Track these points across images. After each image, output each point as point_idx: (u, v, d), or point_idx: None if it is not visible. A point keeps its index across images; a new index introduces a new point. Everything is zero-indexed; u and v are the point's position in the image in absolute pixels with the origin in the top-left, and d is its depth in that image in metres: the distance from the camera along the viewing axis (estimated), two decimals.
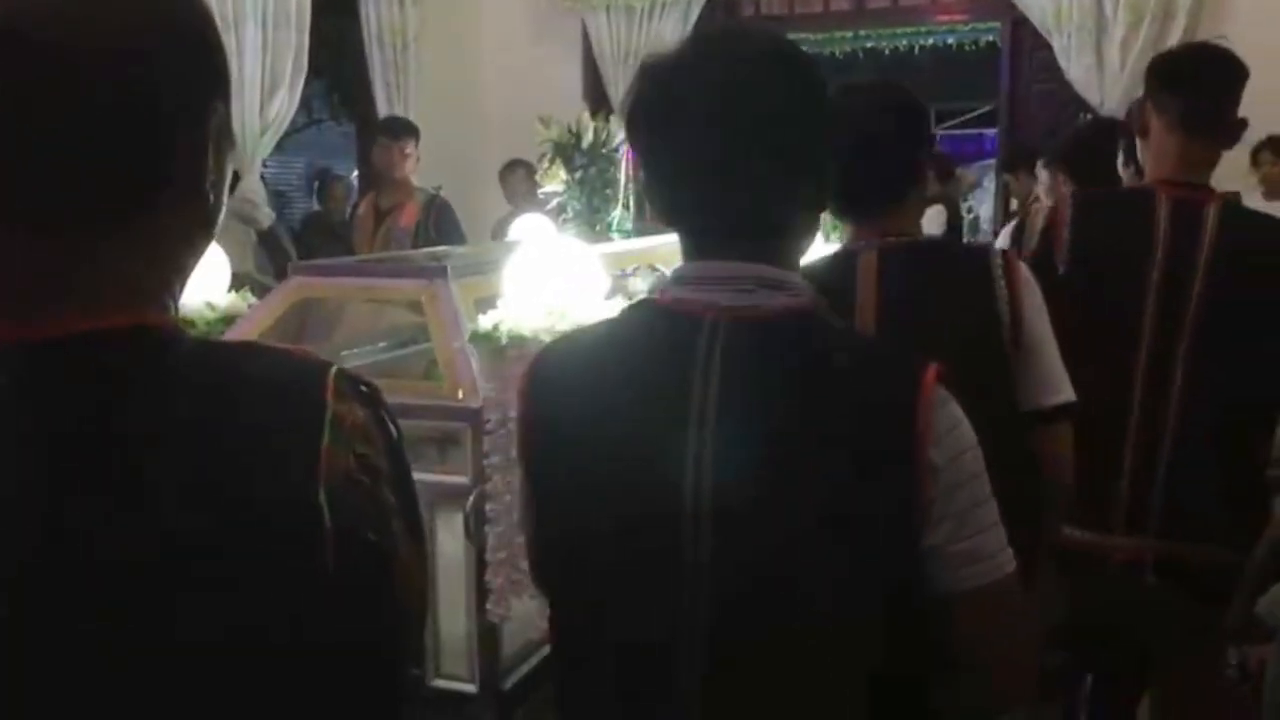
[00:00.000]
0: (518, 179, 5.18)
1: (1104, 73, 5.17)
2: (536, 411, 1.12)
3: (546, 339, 1.83)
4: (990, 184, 8.12)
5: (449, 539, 2.00)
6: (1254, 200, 4.40)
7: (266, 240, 5.18)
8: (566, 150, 3.35)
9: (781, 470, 1.00)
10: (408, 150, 4.51)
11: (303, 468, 0.67)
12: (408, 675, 0.82)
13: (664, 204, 1.09)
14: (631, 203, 3.32)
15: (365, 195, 5.04)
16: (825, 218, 1.46)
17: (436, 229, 4.37)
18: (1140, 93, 2.10)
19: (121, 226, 0.68)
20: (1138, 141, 2.05)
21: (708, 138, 1.02)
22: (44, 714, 0.63)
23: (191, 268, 0.74)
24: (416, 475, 0.77)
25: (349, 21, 5.75)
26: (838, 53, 6.96)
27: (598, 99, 6.00)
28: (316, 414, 0.68)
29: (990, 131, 9.58)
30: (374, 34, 5.72)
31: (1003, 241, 2.05)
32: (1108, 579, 1.96)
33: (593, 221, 3.34)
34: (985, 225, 8.28)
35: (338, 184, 7.00)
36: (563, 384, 1.11)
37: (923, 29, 6.77)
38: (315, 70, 5.76)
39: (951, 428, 1.01)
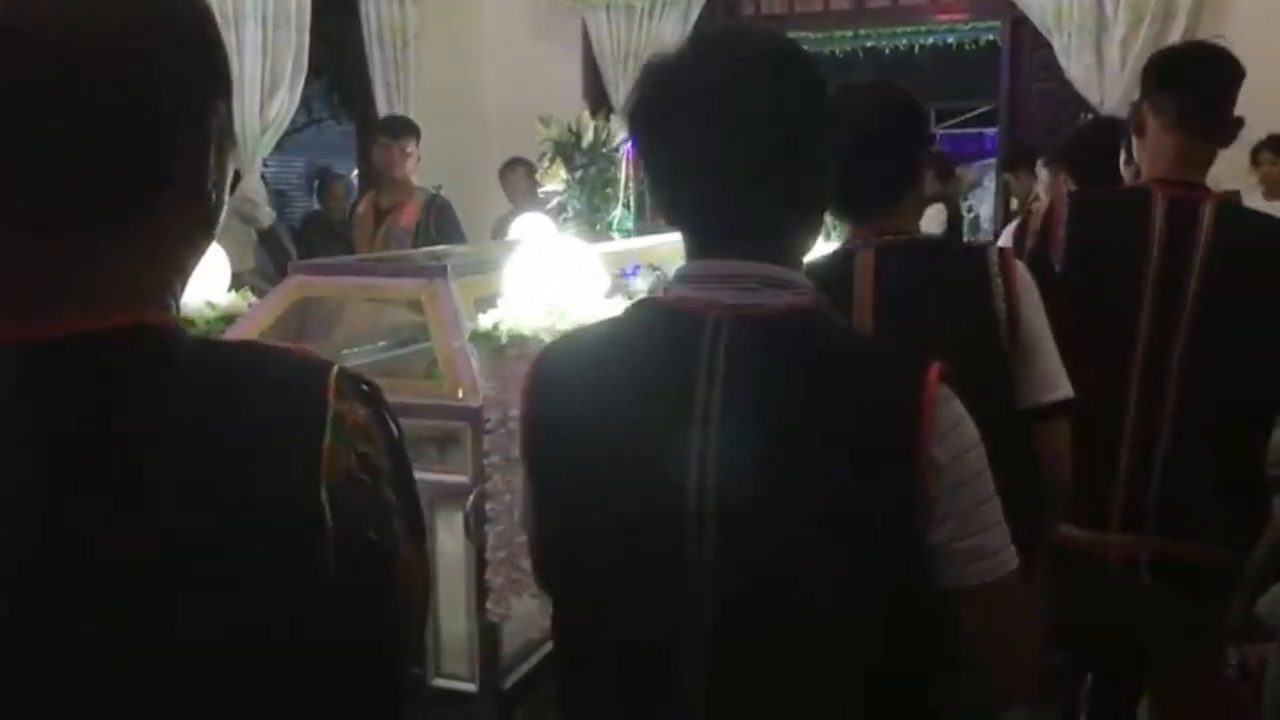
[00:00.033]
0: (518, 178, 5.18)
1: (1104, 72, 5.17)
2: (539, 411, 1.12)
3: (546, 338, 1.83)
4: (990, 183, 8.12)
5: (449, 538, 2.00)
6: (1254, 199, 4.41)
7: (267, 239, 5.18)
8: (567, 149, 3.35)
9: (786, 469, 1.00)
10: (408, 149, 4.51)
11: (304, 467, 0.67)
12: (408, 674, 0.82)
13: (666, 203, 1.10)
14: (632, 202, 3.32)
15: (364, 194, 5.04)
16: (826, 217, 1.46)
17: (437, 228, 4.37)
18: None
19: (121, 226, 0.68)
20: (1134, 140, 2.05)
21: (707, 137, 1.02)
22: (44, 714, 0.63)
23: (193, 267, 0.74)
24: (416, 474, 0.77)
25: (349, 20, 5.75)
26: (838, 52, 6.96)
27: (598, 98, 6.00)
28: (318, 413, 0.69)
29: (990, 131, 9.59)
30: (374, 33, 5.72)
31: (1005, 241, 2.05)
32: (1104, 578, 1.96)
33: (593, 221, 3.34)
34: (985, 225, 8.28)
35: (338, 183, 7.00)
36: (565, 383, 1.11)
37: (923, 28, 6.77)
38: (315, 69, 5.76)
39: (954, 425, 1.02)
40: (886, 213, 1.60)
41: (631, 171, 3.27)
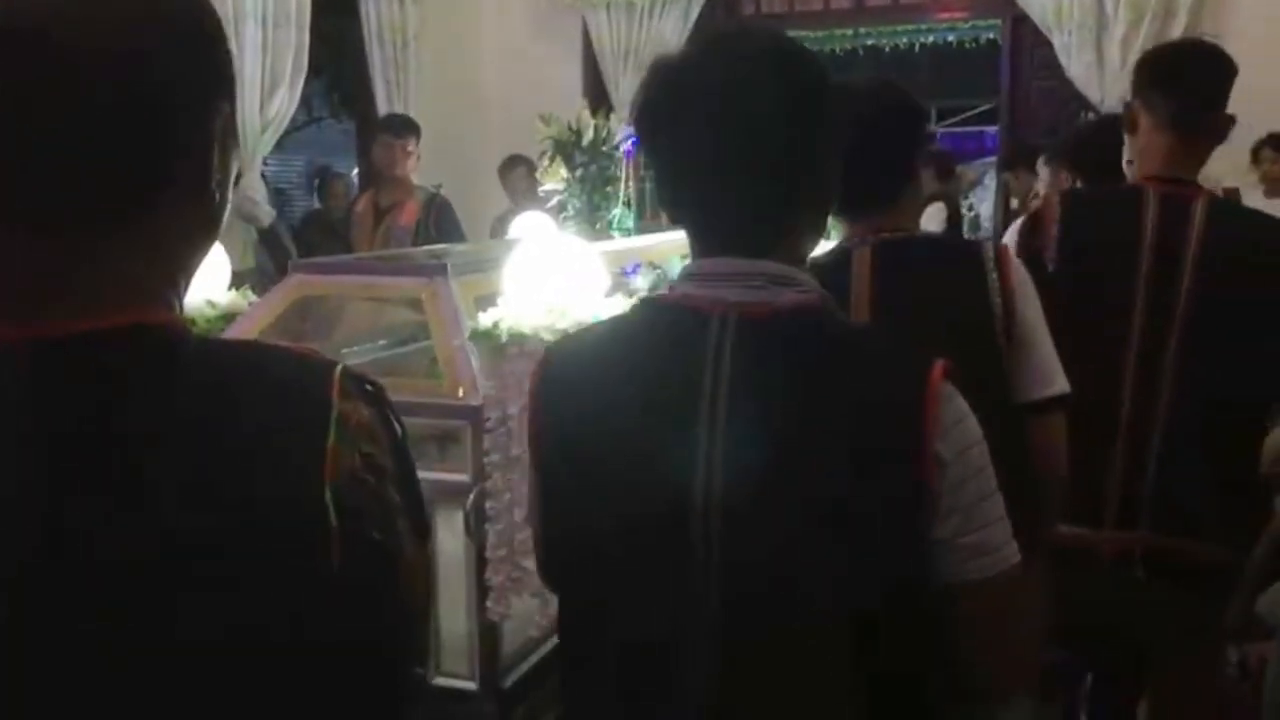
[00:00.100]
0: (518, 176, 5.18)
1: (1104, 70, 5.17)
2: (545, 408, 1.13)
3: (547, 337, 1.83)
4: (991, 182, 8.11)
5: (449, 537, 1.99)
6: (1254, 197, 4.41)
7: (267, 238, 5.18)
8: (567, 148, 3.34)
9: (791, 467, 1.00)
10: (410, 148, 4.51)
11: (308, 466, 0.67)
12: (411, 674, 0.82)
13: (670, 202, 1.11)
14: (632, 200, 3.32)
15: (363, 193, 5.04)
16: None
17: (436, 227, 4.37)
18: None
19: (122, 226, 0.68)
20: (1126, 138, 2.05)
21: (708, 137, 1.02)
22: (44, 714, 0.63)
23: (195, 266, 0.74)
24: (417, 473, 0.77)
25: (349, 20, 5.75)
26: (838, 50, 6.94)
27: (598, 96, 5.99)
28: (322, 413, 0.68)
29: (991, 129, 9.57)
30: (374, 32, 5.72)
31: (1009, 238, 2.05)
32: (1103, 576, 1.96)
33: (593, 219, 3.33)
34: (985, 223, 8.27)
35: (338, 182, 7.00)
36: (571, 381, 1.11)
37: (923, 26, 6.76)
38: (315, 68, 5.76)
39: (957, 421, 1.02)
40: (884, 211, 1.60)
41: (631, 170, 3.27)
